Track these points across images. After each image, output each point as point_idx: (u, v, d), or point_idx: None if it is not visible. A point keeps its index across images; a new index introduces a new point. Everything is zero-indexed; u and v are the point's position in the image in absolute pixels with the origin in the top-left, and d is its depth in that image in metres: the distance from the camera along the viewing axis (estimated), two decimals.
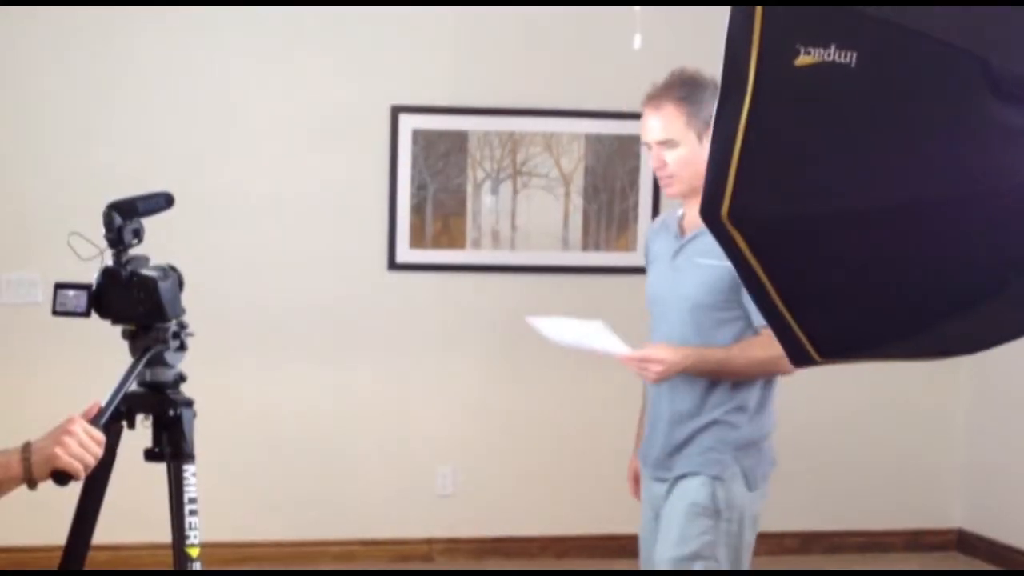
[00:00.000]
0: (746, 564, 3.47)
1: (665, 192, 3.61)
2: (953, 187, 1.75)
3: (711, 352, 3.42)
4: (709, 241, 3.38)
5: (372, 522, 5.84)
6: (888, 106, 1.74)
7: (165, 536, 3.00)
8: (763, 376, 3.44)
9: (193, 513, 2.93)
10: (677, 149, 3.45)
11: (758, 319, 3.31)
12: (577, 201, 5.90)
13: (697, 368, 3.42)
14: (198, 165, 5.60)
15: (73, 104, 5.53)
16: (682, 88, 3.45)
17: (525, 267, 5.90)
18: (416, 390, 5.86)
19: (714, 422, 3.45)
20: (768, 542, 6.18)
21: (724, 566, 3.39)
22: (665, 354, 3.42)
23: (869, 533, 6.27)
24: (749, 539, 3.47)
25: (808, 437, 6.17)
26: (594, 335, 3.55)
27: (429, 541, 5.92)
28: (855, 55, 1.69)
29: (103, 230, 2.89)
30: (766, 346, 3.31)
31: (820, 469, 6.19)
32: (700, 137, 3.41)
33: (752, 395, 3.46)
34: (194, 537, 2.92)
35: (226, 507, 5.47)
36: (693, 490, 3.44)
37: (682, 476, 3.49)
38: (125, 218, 2.90)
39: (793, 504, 6.19)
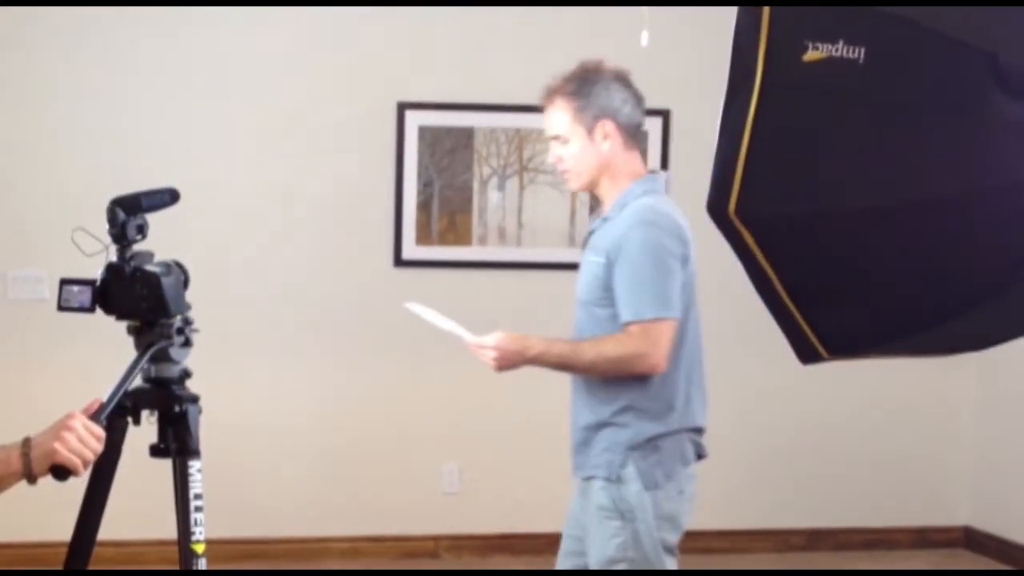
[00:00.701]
0: (672, 564, 3.41)
1: (568, 187, 3.61)
2: (961, 183, 1.74)
3: (557, 344, 3.37)
4: (597, 237, 3.44)
5: (378, 519, 5.83)
6: (896, 101, 1.73)
7: (171, 532, 3.00)
8: (617, 373, 3.33)
9: (199, 509, 2.92)
10: (568, 144, 3.43)
11: (624, 315, 3.28)
12: (583, 198, 5.88)
13: (541, 360, 3.36)
14: (204, 161, 5.60)
15: (78, 101, 5.53)
16: (572, 83, 3.41)
17: (531, 264, 5.89)
18: (422, 387, 5.86)
19: (606, 423, 3.38)
20: (774, 539, 6.18)
21: (644, 563, 3.34)
22: (502, 343, 3.38)
23: (876, 530, 6.26)
24: (668, 538, 3.39)
25: (814, 434, 6.16)
26: (452, 323, 3.50)
27: (435, 538, 5.92)
28: (863, 50, 1.69)
29: (107, 226, 2.89)
30: (620, 343, 3.28)
31: (826, 466, 6.18)
32: (590, 132, 3.38)
33: (642, 394, 3.35)
34: (200, 533, 2.91)
35: (232, 503, 5.46)
36: (595, 494, 3.40)
37: (587, 478, 3.46)
38: (129, 214, 2.90)
39: (799, 501, 6.19)
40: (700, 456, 3.49)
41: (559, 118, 3.43)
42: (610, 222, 3.39)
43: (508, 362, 3.38)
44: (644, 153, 3.77)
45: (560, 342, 3.39)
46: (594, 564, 3.40)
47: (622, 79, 3.39)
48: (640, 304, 3.25)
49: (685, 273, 3.32)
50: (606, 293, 3.35)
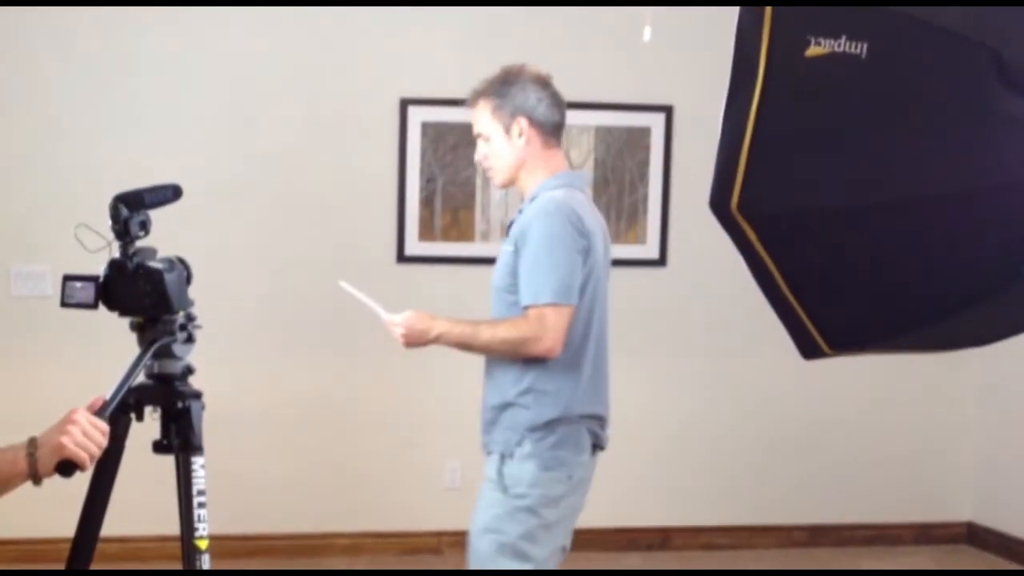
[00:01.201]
0: (549, 545, 3.50)
1: (492, 183, 3.73)
2: (963, 180, 1.74)
3: (459, 325, 3.53)
4: (513, 228, 3.54)
5: (381, 515, 5.84)
6: (899, 97, 1.73)
7: (174, 528, 3.00)
8: (513, 355, 3.46)
9: (202, 505, 2.92)
10: (489, 142, 3.58)
11: (523, 300, 3.42)
12: (587, 193, 5.88)
13: (443, 339, 3.54)
14: (207, 158, 5.60)
15: (81, 98, 5.53)
16: (492, 83, 3.59)
17: None
18: (425, 383, 5.86)
19: (510, 404, 3.52)
20: (777, 535, 6.18)
21: (513, 540, 3.45)
22: (409, 321, 3.56)
23: (878, 526, 6.26)
24: (549, 518, 3.47)
25: (817, 430, 6.16)
26: (371, 302, 3.67)
27: (438, 534, 5.92)
28: (866, 46, 1.68)
29: (110, 222, 2.89)
30: (515, 326, 3.42)
31: (829, 462, 6.18)
32: (507, 130, 3.53)
33: (545, 379, 3.46)
34: (203, 529, 2.92)
35: (235, 499, 5.47)
36: (489, 466, 3.55)
37: (489, 453, 3.61)
38: (132, 210, 2.90)
39: (802, 497, 6.19)
40: (598, 447, 3.59)
41: (480, 117, 3.60)
42: (522, 214, 3.56)
43: (415, 340, 3.56)
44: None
45: (462, 323, 3.54)
46: (471, 529, 3.55)
47: (540, 80, 3.56)
48: (537, 290, 3.38)
49: (588, 264, 3.43)
50: (514, 280, 3.49)
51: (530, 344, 3.37)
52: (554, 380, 3.46)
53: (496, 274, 3.58)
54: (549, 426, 3.45)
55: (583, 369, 3.48)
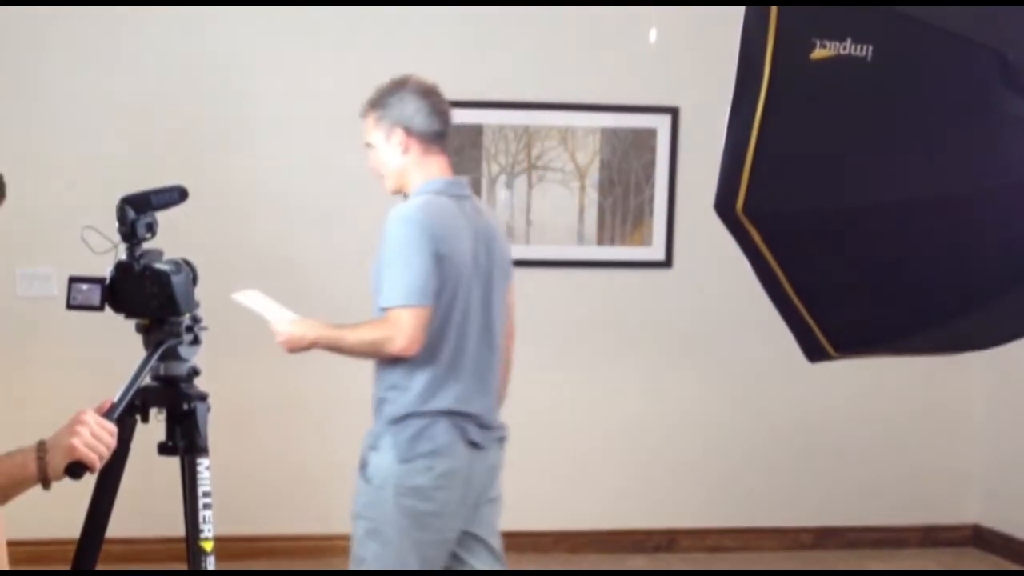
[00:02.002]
0: (424, 535, 3.62)
1: (384, 189, 3.85)
2: (968, 181, 1.74)
3: (328, 329, 3.72)
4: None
5: None
6: (904, 99, 1.73)
7: (179, 530, 3.01)
8: (374, 355, 3.65)
9: (207, 507, 2.93)
10: (374, 151, 3.73)
11: (379, 302, 3.57)
12: (592, 195, 5.89)
13: (320, 343, 3.73)
14: (211, 161, 5.60)
15: (88, 99, 5.54)
16: (377, 94, 3.74)
17: (540, 261, 5.88)
18: None
19: (381, 399, 3.70)
20: (783, 538, 6.17)
21: (378, 526, 3.62)
22: (287, 327, 3.77)
23: (884, 529, 6.25)
24: (419, 508, 3.60)
25: (823, 433, 6.15)
26: (261, 308, 3.87)
27: None
28: (871, 48, 1.68)
29: (116, 224, 2.89)
30: (373, 328, 3.58)
31: (835, 464, 6.17)
32: (388, 139, 3.67)
33: (406, 375, 3.62)
34: (208, 531, 2.93)
35: (240, 501, 5.47)
36: (360, 457, 3.73)
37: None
38: (138, 212, 2.91)
39: (808, 500, 6.18)
40: (471, 442, 3.67)
41: (367, 127, 3.74)
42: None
43: (295, 345, 3.76)
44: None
45: (331, 327, 3.72)
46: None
47: (421, 91, 3.69)
48: (389, 292, 3.53)
49: (445, 268, 3.54)
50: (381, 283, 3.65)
51: (387, 344, 3.52)
52: (412, 377, 3.60)
53: (372, 279, 3.71)
54: (406, 420, 3.60)
55: (437, 367, 3.60)
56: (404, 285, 3.50)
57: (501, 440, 3.80)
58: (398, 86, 3.71)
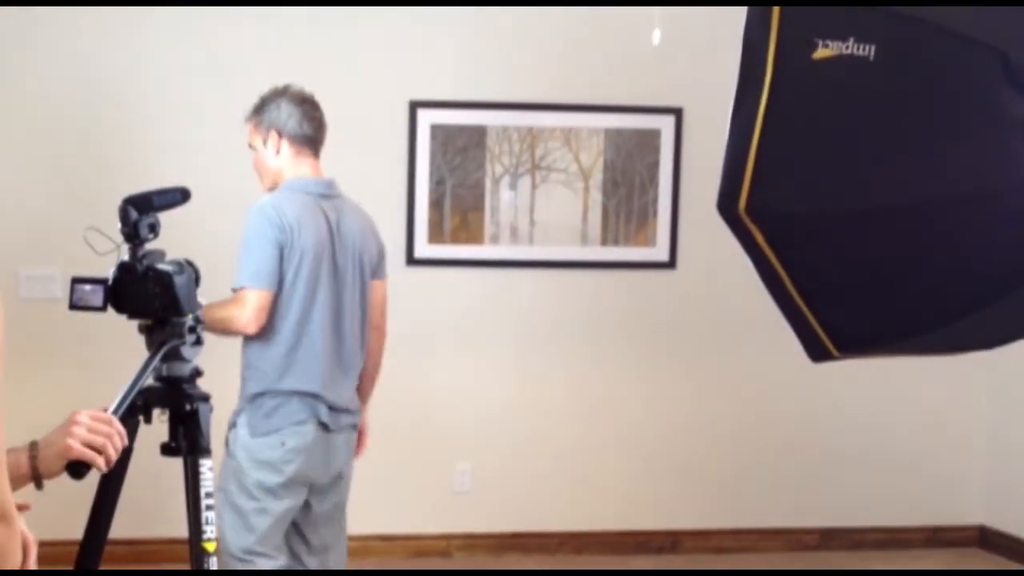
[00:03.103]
0: (274, 505, 3.90)
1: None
2: (971, 182, 1.73)
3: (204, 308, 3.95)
4: None
5: (390, 518, 5.83)
6: (907, 100, 1.72)
7: (182, 531, 3.00)
8: (224, 332, 3.84)
9: (210, 508, 2.93)
10: (255, 152, 4.08)
11: (233, 284, 3.86)
12: (596, 196, 5.88)
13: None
14: (216, 160, 5.60)
15: (90, 100, 5.53)
16: (258, 101, 4.08)
17: (544, 262, 5.88)
18: (434, 386, 5.85)
19: (242, 378, 3.99)
20: (788, 538, 6.17)
21: (233, 498, 3.90)
22: None
23: (889, 529, 6.24)
24: (268, 480, 3.88)
25: (828, 433, 6.15)
26: None
27: (447, 537, 5.91)
28: (874, 48, 1.68)
29: (119, 225, 2.89)
30: (223, 307, 3.80)
31: (840, 465, 6.16)
32: (264, 142, 4.02)
33: (256, 355, 3.92)
34: (211, 532, 2.92)
35: None
36: (225, 433, 3.99)
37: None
38: (141, 212, 2.91)
39: (813, 500, 6.17)
40: (321, 423, 3.95)
41: (249, 130, 4.09)
42: None
43: None
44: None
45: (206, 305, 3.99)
46: None
47: (296, 98, 4.02)
48: (238, 274, 3.86)
49: (288, 257, 3.86)
50: None
51: (230, 322, 3.81)
52: (263, 357, 3.90)
53: None
54: (258, 397, 3.90)
55: (284, 348, 3.89)
56: (249, 269, 3.84)
57: (353, 426, 4.11)
58: (277, 94, 4.04)
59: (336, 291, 3.95)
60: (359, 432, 4.21)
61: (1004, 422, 6.21)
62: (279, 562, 3.94)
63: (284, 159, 3.99)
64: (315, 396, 3.92)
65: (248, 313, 3.80)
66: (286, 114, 3.96)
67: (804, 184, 1.77)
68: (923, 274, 1.78)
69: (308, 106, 4.02)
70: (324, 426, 3.95)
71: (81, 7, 5.45)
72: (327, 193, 4.03)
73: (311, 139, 4.01)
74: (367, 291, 4.07)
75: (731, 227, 1.82)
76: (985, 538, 6.29)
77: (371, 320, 4.12)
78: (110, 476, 2.91)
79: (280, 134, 3.97)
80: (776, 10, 1.70)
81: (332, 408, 3.96)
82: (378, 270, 4.14)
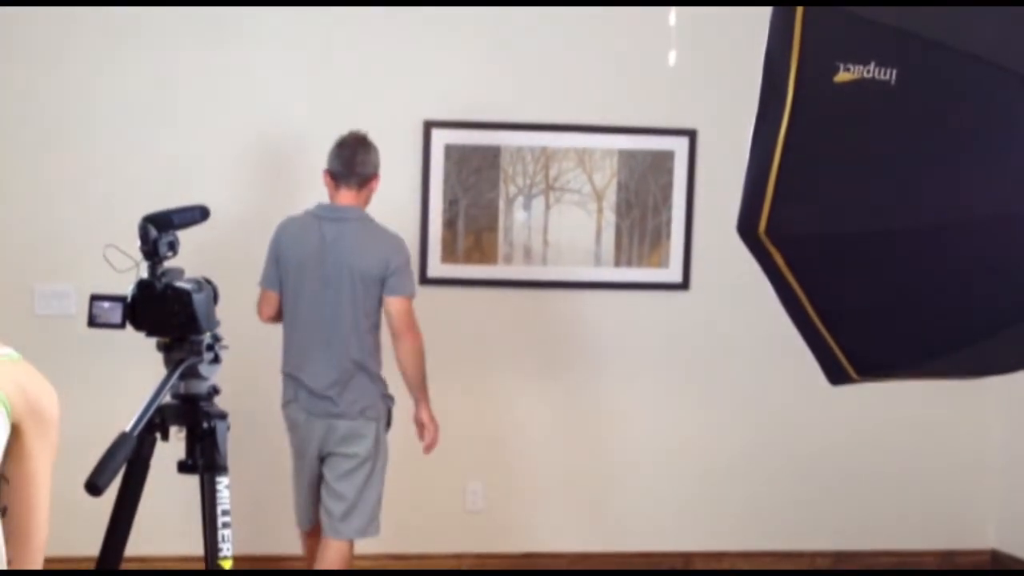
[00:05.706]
0: (295, 460, 4.80)
1: None
2: (991, 205, 1.73)
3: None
4: None
5: (402, 536, 5.83)
6: (927, 123, 1.73)
7: (198, 548, 3.01)
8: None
9: (226, 525, 2.93)
10: None
11: None
12: (610, 217, 5.88)
13: None
14: (234, 179, 5.62)
15: (111, 117, 5.56)
16: None
17: (557, 283, 5.88)
18: (446, 405, 5.84)
19: None
20: (800, 561, 6.15)
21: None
22: None
23: (902, 552, 6.22)
24: (291, 442, 4.80)
25: (841, 455, 6.13)
26: None
27: (459, 556, 5.91)
28: (895, 72, 1.68)
29: (138, 242, 2.90)
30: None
31: (853, 488, 6.15)
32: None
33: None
34: (227, 550, 2.93)
35: (258, 520, 5.47)
36: None
37: None
38: (160, 230, 2.92)
39: (826, 523, 6.16)
40: (302, 405, 4.68)
41: None
42: None
43: None
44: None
45: None
46: None
47: (338, 142, 4.77)
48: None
49: (280, 266, 4.74)
50: None
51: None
52: (284, 342, 4.75)
53: None
54: (283, 372, 4.77)
55: (291, 337, 4.72)
56: (262, 273, 4.79)
57: (336, 415, 4.64)
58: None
59: (317, 297, 4.64)
60: (416, 424, 4.93)
61: (1017, 446, 6.20)
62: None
63: (328, 189, 4.77)
64: (298, 380, 4.66)
65: (259, 307, 4.82)
66: (329, 155, 4.76)
67: (825, 207, 1.77)
68: (944, 298, 1.78)
69: (339, 147, 4.75)
70: (303, 408, 4.67)
71: (107, 24, 5.48)
72: (331, 216, 4.72)
73: (339, 173, 4.73)
74: (362, 297, 4.64)
75: (751, 249, 1.82)
76: (998, 562, 6.27)
77: (392, 330, 4.73)
78: (127, 493, 2.92)
79: (326, 170, 4.77)
80: (797, 34, 1.71)
81: (311, 393, 4.62)
82: (387, 286, 4.69)
